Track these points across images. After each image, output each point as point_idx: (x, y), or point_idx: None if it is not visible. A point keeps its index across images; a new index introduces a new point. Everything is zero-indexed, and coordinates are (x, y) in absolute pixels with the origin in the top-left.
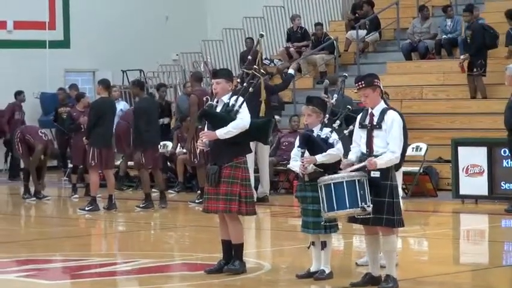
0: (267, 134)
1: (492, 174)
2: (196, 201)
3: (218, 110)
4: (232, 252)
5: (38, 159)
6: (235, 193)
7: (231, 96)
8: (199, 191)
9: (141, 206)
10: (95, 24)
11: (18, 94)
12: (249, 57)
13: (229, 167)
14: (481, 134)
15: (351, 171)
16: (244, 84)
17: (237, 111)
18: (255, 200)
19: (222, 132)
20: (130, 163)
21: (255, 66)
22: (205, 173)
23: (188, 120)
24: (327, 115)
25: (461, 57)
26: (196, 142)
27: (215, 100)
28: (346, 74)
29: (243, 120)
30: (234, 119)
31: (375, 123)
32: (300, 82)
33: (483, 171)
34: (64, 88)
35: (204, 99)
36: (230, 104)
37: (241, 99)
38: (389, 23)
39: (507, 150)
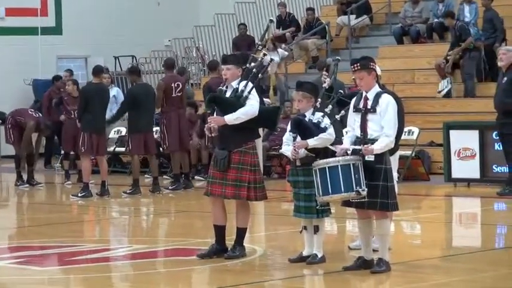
0: (275, 121)
1: (484, 157)
2: (170, 187)
3: (228, 95)
4: (225, 236)
5: (30, 137)
6: (245, 180)
7: (240, 81)
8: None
9: (127, 192)
10: (87, 10)
11: (56, 79)
12: (258, 42)
13: (238, 153)
14: (472, 117)
15: (346, 153)
16: (254, 70)
17: (247, 97)
18: None
19: (231, 118)
20: (120, 149)
21: (263, 51)
22: (213, 157)
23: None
24: (319, 99)
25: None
26: (166, 128)
27: (224, 85)
28: (339, 58)
29: (252, 106)
30: (243, 105)
31: (369, 107)
32: (292, 67)
33: (475, 154)
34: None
35: (175, 85)
36: (239, 90)
37: (250, 85)
38: (380, 7)
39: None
